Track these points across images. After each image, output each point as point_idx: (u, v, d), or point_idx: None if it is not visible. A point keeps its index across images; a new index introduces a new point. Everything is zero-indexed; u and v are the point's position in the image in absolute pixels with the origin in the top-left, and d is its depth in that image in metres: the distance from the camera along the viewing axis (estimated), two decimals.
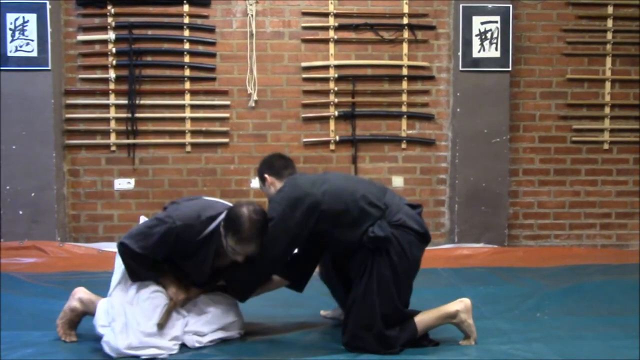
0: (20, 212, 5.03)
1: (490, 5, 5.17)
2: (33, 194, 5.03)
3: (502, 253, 5.13)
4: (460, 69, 5.20)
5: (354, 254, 2.93)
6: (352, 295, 2.93)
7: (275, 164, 3.19)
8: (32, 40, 4.98)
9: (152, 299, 2.87)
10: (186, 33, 5.28)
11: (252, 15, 5.24)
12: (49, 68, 5.01)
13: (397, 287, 2.89)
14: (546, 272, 4.50)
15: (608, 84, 5.44)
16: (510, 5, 5.19)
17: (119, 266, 2.97)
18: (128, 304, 2.85)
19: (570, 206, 5.49)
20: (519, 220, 5.49)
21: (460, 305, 2.95)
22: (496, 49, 5.19)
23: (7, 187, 5.02)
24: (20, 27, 4.96)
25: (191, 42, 5.28)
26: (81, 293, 3.05)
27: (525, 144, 5.46)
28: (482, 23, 5.17)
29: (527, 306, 3.68)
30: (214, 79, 5.31)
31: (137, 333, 2.77)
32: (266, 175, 3.16)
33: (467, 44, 5.18)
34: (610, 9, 5.40)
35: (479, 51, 5.19)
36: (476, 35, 5.18)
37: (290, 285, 3.17)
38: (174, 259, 2.93)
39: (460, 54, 5.19)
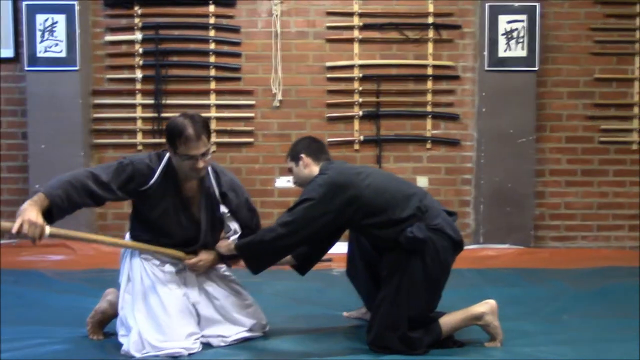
0: None
1: (516, 4, 5.13)
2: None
3: (528, 254, 5.08)
4: (486, 68, 5.17)
5: (388, 252, 2.90)
6: (381, 294, 2.90)
7: (312, 146, 3.13)
8: (61, 41, 5.05)
9: (163, 307, 2.84)
10: (212, 33, 5.32)
11: (277, 15, 5.26)
12: (77, 68, 5.09)
13: (427, 291, 2.86)
14: (573, 274, 4.45)
15: (637, 84, 5.36)
16: (537, 4, 5.14)
17: (123, 273, 2.97)
18: (138, 312, 2.83)
19: (598, 207, 5.43)
20: (545, 221, 5.43)
21: (486, 306, 2.92)
22: (522, 48, 5.15)
23: (37, 186, 5.07)
24: (50, 28, 5.04)
25: (216, 42, 5.32)
26: (111, 295, 3.06)
27: (552, 144, 5.40)
28: (509, 22, 5.13)
29: (553, 308, 3.63)
30: (239, 79, 5.34)
31: (151, 341, 2.76)
32: (303, 155, 3.09)
33: (493, 43, 5.14)
34: (639, 7, 5.32)
35: (505, 50, 5.15)
36: (502, 35, 5.14)
37: (296, 266, 3.15)
38: (151, 215, 2.88)
39: (486, 53, 5.15)
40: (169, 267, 2.94)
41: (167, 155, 2.89)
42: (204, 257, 2.99)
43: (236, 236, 3.08)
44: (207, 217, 2.98)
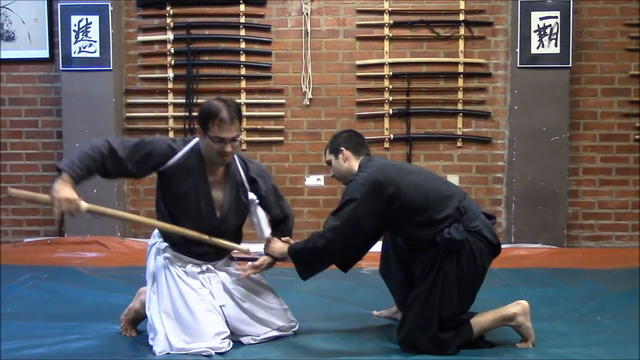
0: None
1: (549, 0, 5.06)
2: (95, 191, 5.16)
3: (561, 254, 5.01)
4: (518, 65, 5.11)
5: (423, 251, 2.87)
6: (414, 293, 2.88)
7: (353, 140, 3.11)
8: (95, 42, 5.13)
9: (188, 308, 2.84)
10: (242, 32, 5.35)
11: (307, 14, 5.27)
12: (110, 68, 5.16)
13: (461, 293, 2.84)
14: (607, 274, 4.37)
15: None
16: (571, 0, 5.06)
17: (148, 273, 3.00)
18: (164, 313, 2.85)
19: (633, 206, 5.32)
20: (578, 221, 5.35)
21: (518, 307, 2.88)
22: (556, 45, 5.07)
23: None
24: (84, 28, 5.12)
25: (247, 41, 5.35)
26: (144, 295, 3.07)
27: (586, 142, 5.32)
28: (541, 18, 5.06)
29: (587, 309, 3.58)
30: (269, 78, 5.36)
31: (177, 344, 2.78)
32: (343, 149, 3.07)
33: (526, 40, 5.08)
34: None
35: (538, 47, 5.08)
36: (535, 31, 5.07)
37: (339, 264, 3.13)
38: (171, 197, 2.90)
39: (518, 50, 5.09)
40: (191, 268, 2.94)
41: (195, 140, 2.92)
42: (257, 270, 3.01)
43: (268, 232, 3.08)
44: (230, 203, 2.96)
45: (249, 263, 3.06)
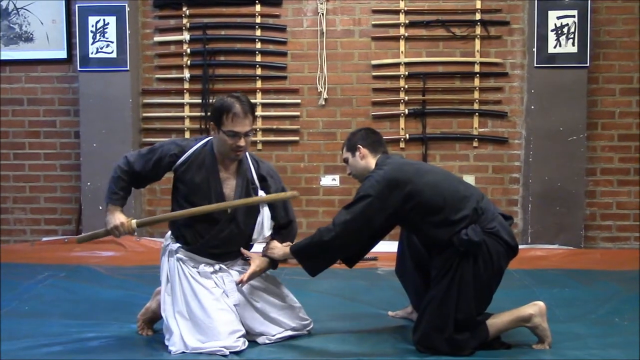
0: (100, 208, 5.21)
1: (567, 0, 5.02)
2: None
3: (578, 255, 4.97)
4: (535, 65, 5.07)
5: (440, 252, 2.86)
6: (430, 294, 2.87)
7: (370, 137, 3.10)
8: (112, 42, 5.17)
9: (202, 307, 2.85)
10: (258, 33, 5.36)
11: (322, 14, 5.27)
12: (127, 69, 5.20)
13: (477, 294, 2.82)
14: (625, 276, 4.33)
15: None
16: None
17: (162, 274, 3.02)
18: (178, 314, 2.87)
19: None
20: (596, 221, 5.30)
21: (535, 308, 2.87)
22: (573, 44, 5.03)
23: (88, 184, 5.24)
24: (101, 29, 5.16)
25: (263, 41, 5.36)
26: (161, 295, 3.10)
27: (604, 142, 5.27)
28: (559, 18, 5.02)
29: (605, 310, 3.55)
30: (284, 78, 5.37)
31: (192, 343, 2.79)
32: (360, 146, 3.06)
33: (543, 39, 5.04)
34: None
35: (555, 47, 5.04)
36: (552, 31, 5.03)
37: (344, 259, 3.12)
38: (183, 191, 2.96)
39: (535, 49, 5.05)
40: (203, 268, 2.95)
41: (207, 139, 2.99)
42: (256, 268, 2.98)
43: (268, 232, 3.07)
44: (241, 198, 2.96)
45: (246, 275, 3.03)
